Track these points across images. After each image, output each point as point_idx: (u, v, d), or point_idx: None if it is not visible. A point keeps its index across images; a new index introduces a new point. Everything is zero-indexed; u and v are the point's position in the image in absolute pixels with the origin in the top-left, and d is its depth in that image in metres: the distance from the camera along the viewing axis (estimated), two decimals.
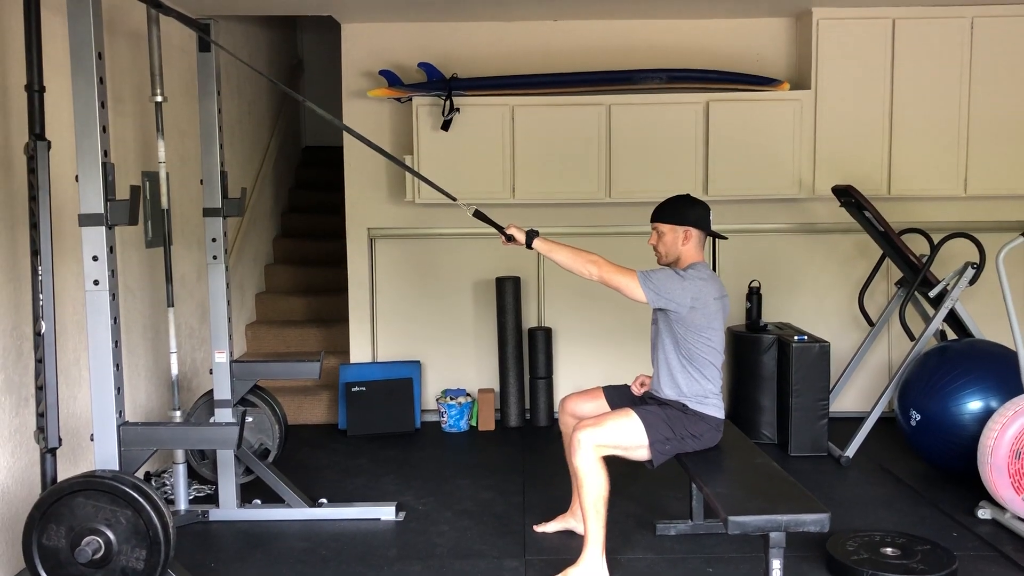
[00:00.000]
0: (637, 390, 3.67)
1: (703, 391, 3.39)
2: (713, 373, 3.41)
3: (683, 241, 3.43)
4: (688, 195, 3.56)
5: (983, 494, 3.92)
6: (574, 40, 5.45)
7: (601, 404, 3.63)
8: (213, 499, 4.14)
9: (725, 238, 3.65)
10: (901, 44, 5.17)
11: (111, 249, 2.83)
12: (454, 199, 3.63)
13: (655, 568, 3.50)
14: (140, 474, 3.30)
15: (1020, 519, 3.71)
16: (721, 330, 3.41)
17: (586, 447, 3.25)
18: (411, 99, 5.28)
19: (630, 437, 3.30)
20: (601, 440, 3.26)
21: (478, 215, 3.59)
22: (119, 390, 2.89)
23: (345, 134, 5.49)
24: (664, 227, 3.46)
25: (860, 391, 5.50)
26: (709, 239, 3.56)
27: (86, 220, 2.80)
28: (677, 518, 3.88)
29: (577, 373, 5.60)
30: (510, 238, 3.48)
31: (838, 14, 5.16)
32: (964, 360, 4.34)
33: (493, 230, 3.59)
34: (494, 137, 5.23)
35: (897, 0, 5.04)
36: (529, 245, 3.43)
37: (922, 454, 4.45)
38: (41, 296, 2.90)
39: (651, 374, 3.61)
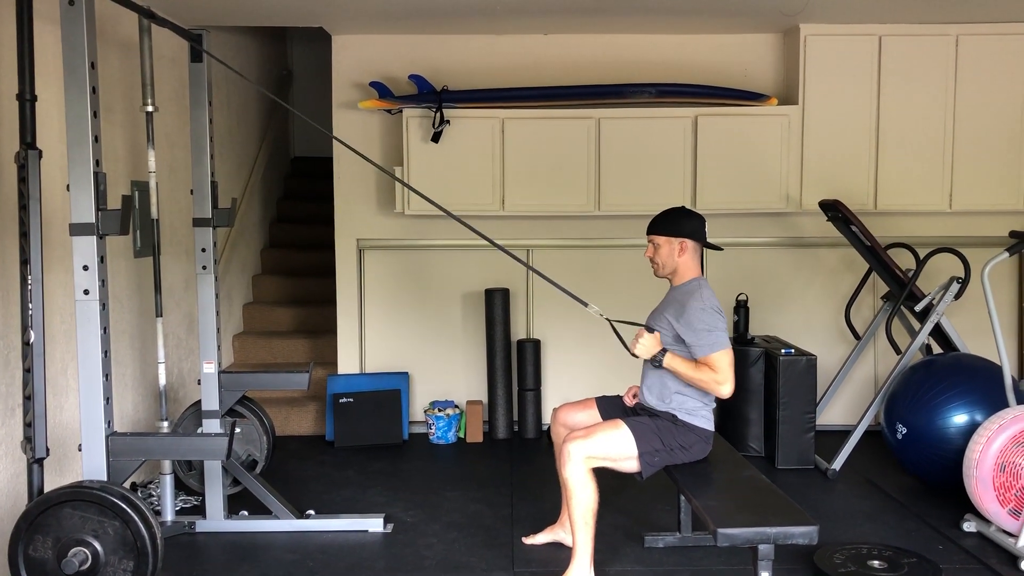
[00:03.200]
0: (630, 401, 3.68)
1: (693, 403, 3.41)
2: None
3: (679, 252, 3.45)
4: (683, 207, 3.60)
5: (968, 507, 3.94)
6: (564, 54, 5.48)
7: (593, 415, 3.64)
8: (200, 510, 4.12)
9: (721, 249, 3.67)
10: (887, 61, 5.23)
11: (102, 259, 2.83)
12: (586, 304, 3.46)
13: None
14: (127, 485, 3.29)
15: (1005, 532, 3.73)
16: None
17: (576, 459, 3.25)
18: (401, 111, 5.29)
19: (620, 449, 3.30)
20: (591, 452, 3.27)
21: (611, 322, 3.47)
22: (108, 400, 2.88)
23: (336, 144, 5.51)
24: (660, 239, 3.49)
25: (846, 404, 5.53)
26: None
27: (77, 229, 2.79)
28: (665, 530, 3.88)
29: (565, 385, 5.61)
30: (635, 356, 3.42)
31: (825, 31, 5.21)
32: (950, 374, 4.37)
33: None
34: (484, 149, 5.25)
35: (883, 17, 5.10)
36: (658, 364, 3.36)
37: (908, 467, 4.48)
38: (30, 305, 2.89)
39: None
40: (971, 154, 5.29)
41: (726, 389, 3.29)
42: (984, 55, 5.23)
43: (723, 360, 3.28)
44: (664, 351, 3.34)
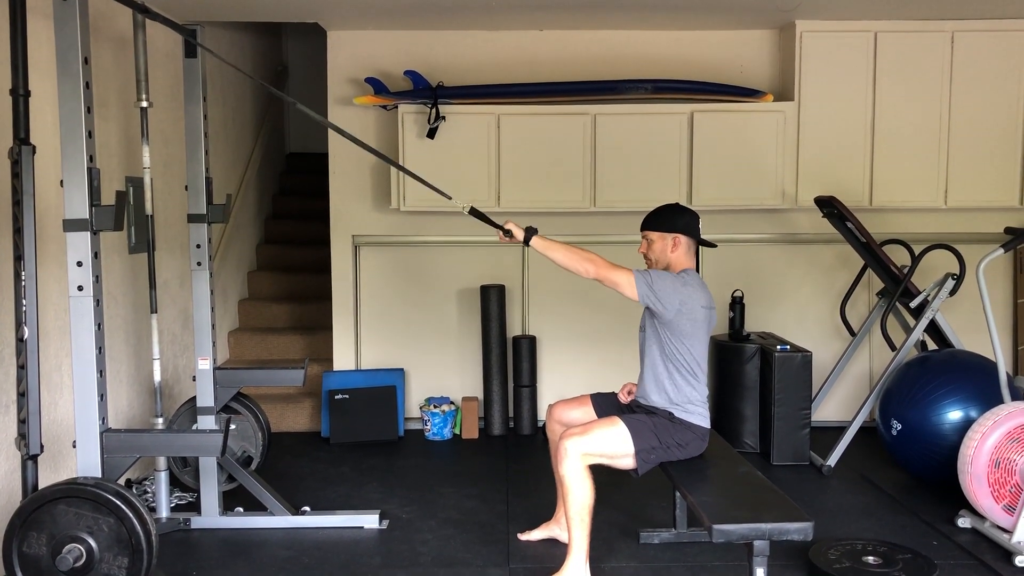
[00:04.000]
0: (624, 398, 3.68)
1: (690, 399, 3.41)
2: (700, 382, 3.42)
3: (672, 248, 3.45)
4: (677, 203, 3.61)
5: (963, 503, 3.95)
6: (560, 50, 5.47)
7: (589, 412, 3.64)
8: (195, 507, 4.11)
9: (714, 246, 3.67)
10: (883, 57, 5.23)
11: (96, 254, 2.82)
12: (449, 197, 3.61)
13: None
14: (122, 481, 3.28)
15: (999, 528, 3.74)
16: (706, 340, 3.43)
17: (572, 456, 3.25)
18: (397, 107, 5.28)
19: (616, 446, 3.30)
20: (587, 449, 3.27)
21: (474, 212, 3.59)
22: (102, 396, 2.87)
23: (331, 140, 5.51)
24: (653, 235, 3.49)
25: (842, 401, 5.54)
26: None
27: (71, 225, 2.78)
28: (661, 527, 3.89)
29: (561, 381, 5.61)
30: (508, 233, 3.48)
31: (821, 27, 5.21)
32: (944, 370, 4.38)
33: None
34: (480, 145, 5.24)
35: (879, 14, 5.10)
36: (527, 242, 3.44)
37: (903, 463, 4.49)
38: (24, 302, 2.87)
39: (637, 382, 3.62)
40: (966, 150, 5.29)
41: (590, 267, 3.34)
42: (979, 52, 5.24)
43: (622, 270, 3.31)
44: (534, 229, 3.45)
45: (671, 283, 3.32)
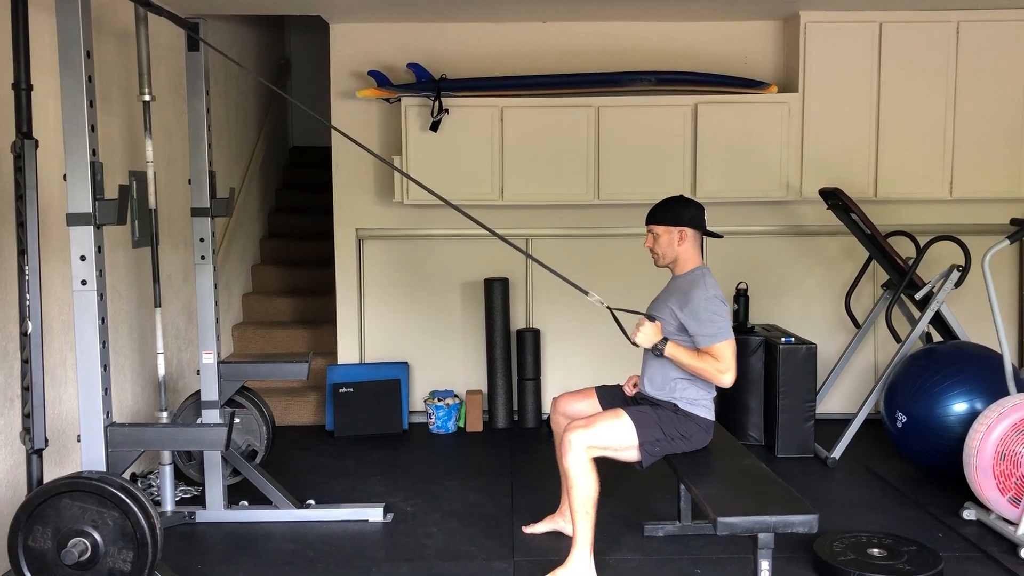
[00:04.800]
0: (629, 390, 3.67)
1: (695, 392, 3.40)
2: None
3: (679, 242, 3.44)
4: (681, 196, 3.58)
5: (968, 495, 3.95)
6: (563, 42, 5.45)
7: (593, 404, 3.64)
8: (200, 500, 4.12)
9: (720, 236, 3.66)
10: (888, 48, 5.21)
11: (99, 249, 2.82)
12: (586, 292, 3.46)
13: (643, 569, 3.50)
14: (126, 475, 3.28)
15: (1005, 520, 3.74)
16: None
17: (576, 448, 3.25)
18: (400, 100, 5.27)
19: (621, 438, 3.30)
20: (592, 441, 3.27)
21: (612, 312, 3.46)
22: (106, 391, 2.87)
23: (334, 134, 5.49)
24: (659, 229, 3.47)
25: (846, 393, 5.53)
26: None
27: (74, 220, 2.78)
28: (665, 519, 3.89)
29: (565, 374, 5.61)
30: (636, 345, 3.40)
31: (825, 18, 5.18)
32: (950, 362, 4.37)
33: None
34: (483, 138, 5.23)
35: (884, 4, 5.07)
36: (659, 352, 3.35)
37: (908, 455, 4.48)
38: (28, 296, 2.87)
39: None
40: (972, 141, 5.27)
41: (728, 378, 3.28)
42: (985, 42, 5.21)
43: (726, 350, 3.27)
44: (665, 340, 3.33)
45: (727, 317, 3.32)
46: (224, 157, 5.90)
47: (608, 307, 3.45)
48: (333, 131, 5.48)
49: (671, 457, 3.38)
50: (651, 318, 3.37)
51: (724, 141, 5.22)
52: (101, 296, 2.84)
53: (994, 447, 3.72)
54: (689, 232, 3.44)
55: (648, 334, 3.34)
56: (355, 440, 5.29)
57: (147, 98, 3.79)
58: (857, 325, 5.11)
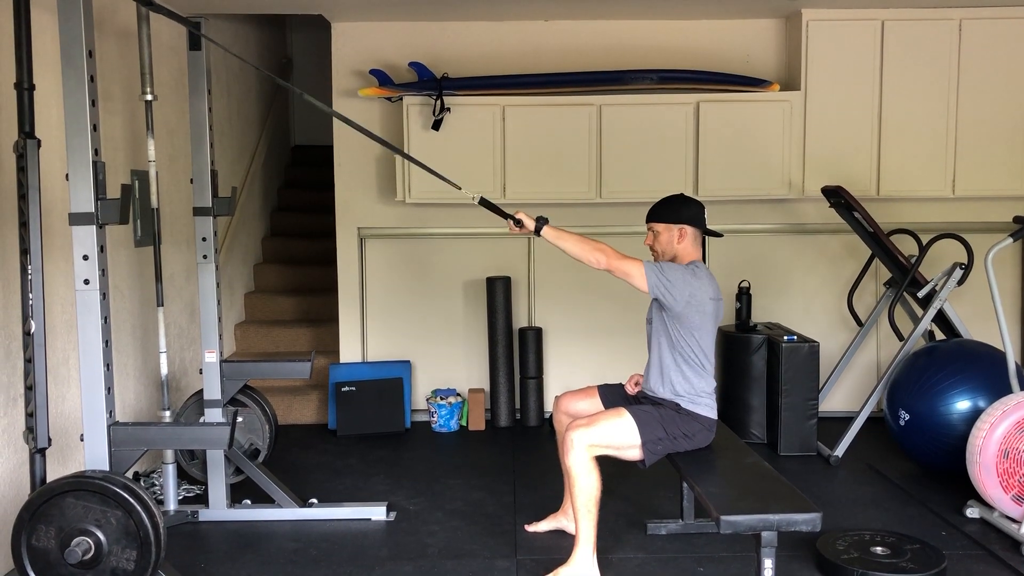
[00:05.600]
0: (631, 389, 3.67)
1: (697, 391, 3.40)
2: (707, 373, 3.42)
3: (678, 239, 3.44)
4: (682, 194, 3.59)
5: (971, 493, 3.94)
6: (565, 40, 5.45)
7: (595, 403, 3.64)
8: (203, 499, 4.13)
9: (720, 235, 3.66)
10: (890, 46, 5.20)
11: (101, 248, 2.82)
12: (459, 187, 3.61)
13: (646, 567, 3.50)
14: (129, 474, 3.29)
15: (1008, 518, 3.73)
16: (713, 332, 3.42)
17: (579, 447, 3.25)
18: (401, 98, 5.27)
19: (623, 437, 3.30)
20: (594, 440, 3.27)
21: (484, 203, 3.59)
22: (109, 390, 2.87)
23: (336, 132, 5.50)
24: (659, 226, 3.48)
25: (849, 391, 5.53)
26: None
27: (76, 219, 2.78)
28: (668, 517, 3.89)
29: (567, 373, 5.61)
30: (518, 223, 3.48)
31: (828, 16, 5.18)
32: (952, 360, 4.36)
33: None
34: (485, 137, 5.23)
35: (886, 2, 5.06)
36: (538, 232, 3.43)
37: (911, 454, 4.48)
38: (31, 295, 2.88)
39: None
40: (974, 139, 5.26)
41: (600, 257, 3.32)
42: (987, 39, 5.20)
43: (633, 261, 3.30)
44: (545, 219, 3.45)
45: (681, 275, 3.31)
46: (226, 156, 5.90)
47: (483, 199, 3.57)
48: (335, 129, 5.50)
49: (674, 455, 3.38)
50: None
51: (726, 139, 5.22)
52: (104, 295, 2.84)
53: (997, 445, 3.72)
54: (689, 230, 3.44)
55: (525, 217, 3.46)
56: (357, 439, 5.29)
57: (149, 97, 3.79)
58: (859, 323, 5.11)
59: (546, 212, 5.38)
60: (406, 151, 5.22)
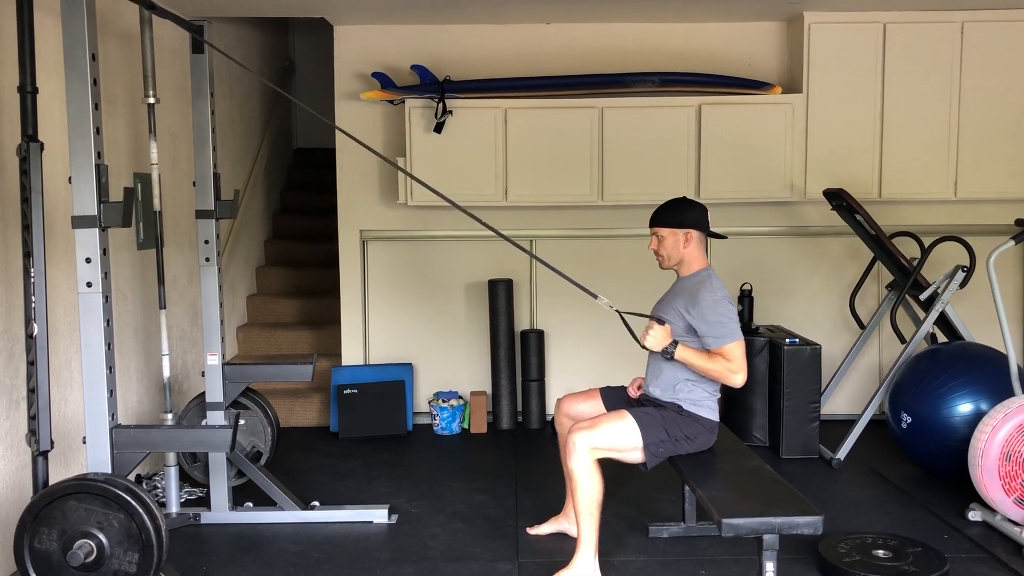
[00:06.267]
0: (634, 392, 3.67)
1: (699, 393, 3.40)
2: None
3: (684, 244, 3.44)
4: (685, 197, 3.58)
5: (973, 496, 3.94)
6: (567, 43, 5.46)
7: (597, 405, 3.64)
8: (205, 502, 4.13)
9: (724, 237, 3.66)
10: (892, 49, 5.20)
11: (104, 251, 2.82)
12: (595, 296, 3.47)
13: (647, 570, 3.50)
14: (132, 477, 3.29)
15: (1010, 521, 3.73)
16: None
17: (581, 450, 3.25)
18: (404, 101, 5.28)
19: (625, 439, 3.30)
20: (596, 443, 3.27)
21: (622, 316, 3.45)
22: (112, 393, 2.88)
23: (339, 135, 5.50)
24: (664, 231, 3.47)
25: (851, 394, 5.52)
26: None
27: (79, 222, 2.78)
28: (670, 520, 3.89)
29: (569, 375, 5.61)
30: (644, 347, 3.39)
31: (829, 18, 5.18)
32: (954, 363, 4.36)
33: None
34: (487, 140, 5.24)
35: (888, 4, 5.07)
36: (668, 356, 3.33)
37: (913, 456, 4.47)
38: (33, 298, 2.88)
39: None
40: (976, 142, 5.26)
41: (740, 378, 3.29)
42: (990, 42, 5.20)
43: (737, 350, 3.28)
44: (675, 343, 3.32)
45: (735, 318, 3.33)
46: (228, 159, 5.91)
47: (617, 311, 3.44)
48: (338, 132, 5.50)
49: (675, 458, 3.38)
50: (660, 321, 3.36)
51: (728, 142, 5.22)
52: (106, 298, 2.84)
53: (999, 448, 3.71)
54: (694, 234, 3.44)
55: (658, 337, 3.32)
56: (359, 441, 5.29)
57: (152, 100, 3.80)
58: (862, 326, 5.11)
59: (548, 214, 5.47)
60: (408, 154, 5.23)
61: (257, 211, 6.77)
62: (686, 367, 3.37)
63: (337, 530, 3.92)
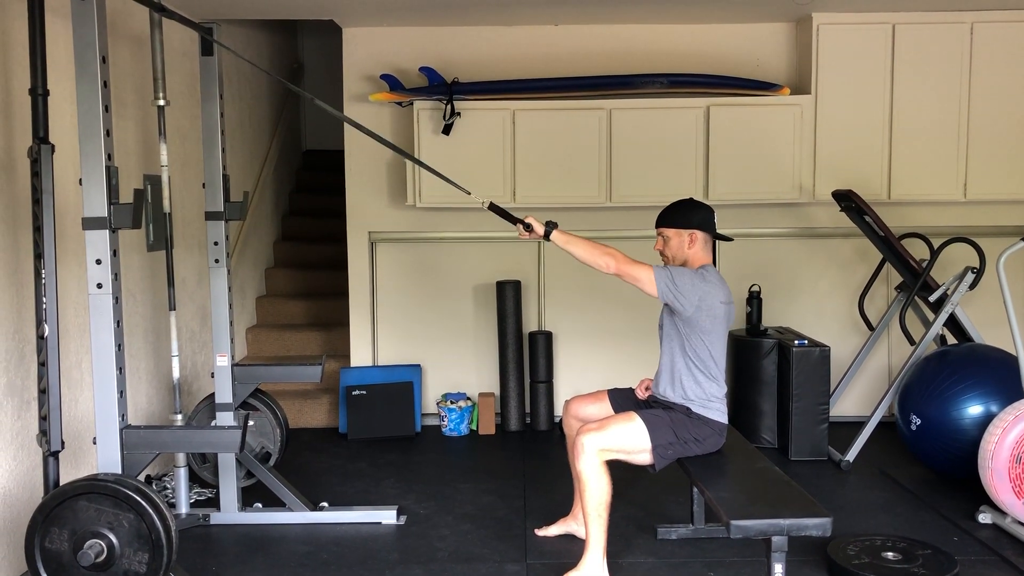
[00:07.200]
0: (642, 394, 3.67)
1: (708, 395, 3.40)
2: (718, 377, 3.41)
3: (689, 244, 3.44)
4: (691, 199, 3.59)
5: (984, 498, 3.92)
6: (575, 44, 5.46)
7: (605, 407, 3.64)
8: (214, 503, 4.14)
9: (730, 239, 3.65)
10: (901, 49, 5.19)
11: (114, 252, 2.84)
12: (468, 192, 3.61)
13: (656, 572, 3.50)
14: (142, 478, 3.30)
15: (1021, 523, 3.71)
16: (724, 336, 3.42)
17: (589, 451, 3.25)
18: (412, 103, 5.29)
19: (633, 441, 3.30)
20: (604, 444, 3.27)
21: (493, 208, 3.59)
22: (122, 393, 2.89)
23: (347, 137, 5.52)
24: (669, 232, 3.48)
25: (860, 395, 5.51)
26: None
27: (89, 224, 2.80)
28: (678, 522, 3.88)
29: (577, 377, 5.61)
30: (528, 228, 3.47)
31: (838, 19, 5.17)
32: (964, 365, 4.35)
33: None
34: (495, 141, 5.24)
35: (897, 5, 5.05)
36: (547, 236, 3.44)
37: (922, 458, 4.46)
38: (44, 299, 2.90)
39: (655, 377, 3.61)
40: (986, 143, 5.24)
41: (610, 261, 3.32)
42: (999, 43, 5.18)
43: (642, 268, 3.29)
44: (554, 224, 3.43)
45: (690, 279, 3.31)
46: (238, 161, 5.93)
47: (492, 204, 3.56)
48: (346, 134, 5.52)
49: (684, 460, 3.38)
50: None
51: (736, 143, 5.22)
52: (116, 299, 2.86)
53: (1010, 450, 3.70)
54: (699, 235, 3.44)
55: (535, 222, 3.45)
56: (368, 443, 5.30)
57: (161, 102, 3.82)
58: (871, 327, 5.10)
59: (556, 216, 5.42)
60: (417, 156, 5.23)
61: (266, 213, 6.79)
62: (687, 367, 3.37)
63: (346, 531, 3.93)
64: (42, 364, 2.92)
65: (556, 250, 5.32)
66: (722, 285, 3.38)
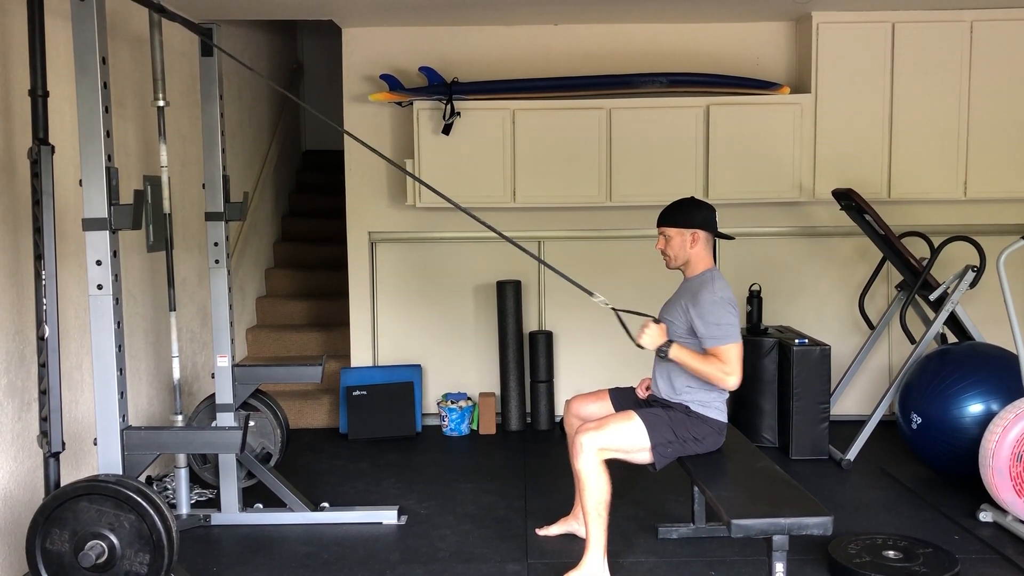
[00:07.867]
0: (642, 393, 3.67)
1: (707, 395, 3.40)
2: None
3: (691, 244, 3.44)
4: (693, 198, 3.58)
5: (984, 497, 3.92)
6: (575, 44, 5.46)
7: (606, 406, 3.64)
8: (215, 503, 4.14)
9: (732, 238, 3.65)
10: (901, 48, 5.19)
11: (114, 253, 2.84)
12: (591, 293, 3.44)
13: (657, 571, 3.50)
14: (142, 478, 3.30)
15: (1022, 522, 3.71)
16: None
17: (588, 450, 3.25)
18: (412, 103, 5.29)
19: (632, 440, 3.30)
20: (603, 443, 3.27)
21: (617, 313, 3.42)
22: (122, 394, 2.89)
23: (347, 137, 5.52)
24: (671, 231, 3.47)
25: (861, 394, 5.51)
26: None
27: (90, 224, 2.80)
28: (679, 521, 3.88)
29: (578, 377, 5.61)
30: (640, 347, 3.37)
31: (838, 18, 5.17)
32: (965, 363, 4.35)
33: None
34: (495, 141, 5.24)
35: (897, 4, 5.05)
36: (663, 354, 3.32)
37: (923, 457, 4.46)
38: (44, 300, 2.90)
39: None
40: (986, 141, 5.24)
41: (732, 381, 3.27)
42: (999, 41, 5.18)
43: (731, 352, 3.26)
44: (670, 342, 3.32)
45: (735, 328, 3.30)
46: (238, 161, 5.93)
47: (613, 308, 3.44)
48: (344, 135, 5.51)
49: (684, 459, 3.38)
50: (656, 320, 3.36)
51: (736, 142, 5.22)
52: (117, 300, 2.86)
53: (1011, 448, 3.70)
54: (701, 234, 3.44)
55: (652, 336, 3.32)
56: (369, 443, 5.30)
57: (161, 103, 3.82)
58: (871, 326, 5.09)
59: (556, 215, 5.48)
60: (416, 156, 5.24)
61: (266, 213, 6.79)
62: (684, 368, 3.36)
63: (347, 531, 3.93)
64: (42, 365, 2.93)
65: (556, 250, 5.36)
66: (730, 289, 3.39)
